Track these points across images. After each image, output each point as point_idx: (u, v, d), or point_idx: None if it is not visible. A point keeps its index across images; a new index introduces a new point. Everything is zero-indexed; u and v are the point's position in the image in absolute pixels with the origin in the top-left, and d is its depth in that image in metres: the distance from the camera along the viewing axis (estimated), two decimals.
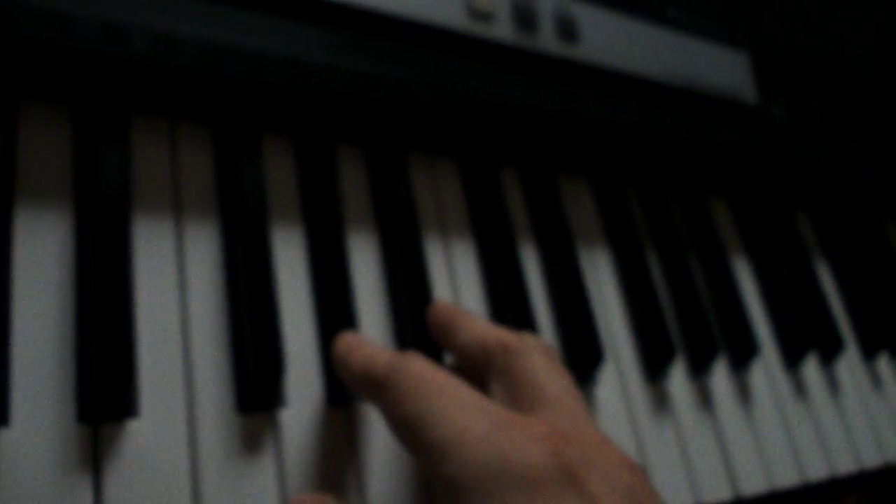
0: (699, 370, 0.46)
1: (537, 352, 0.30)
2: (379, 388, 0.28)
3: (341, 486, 0.32)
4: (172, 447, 0.30)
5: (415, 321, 0.36)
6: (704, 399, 0.46)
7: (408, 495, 0.34)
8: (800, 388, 0.51)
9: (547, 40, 0.44)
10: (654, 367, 0.44)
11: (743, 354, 0.48)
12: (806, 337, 0.52)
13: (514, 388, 0.29)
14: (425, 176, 0.42)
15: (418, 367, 0.27)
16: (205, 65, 0.33)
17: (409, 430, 0.26)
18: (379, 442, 0.34)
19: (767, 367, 0.51)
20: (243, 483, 0.30)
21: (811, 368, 0.53)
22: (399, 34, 0.39)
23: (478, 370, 0.32)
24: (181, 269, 0.33)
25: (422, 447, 0.25)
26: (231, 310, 0.33)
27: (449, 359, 0.36)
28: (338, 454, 0.33)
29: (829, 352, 0.53)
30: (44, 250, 0.30)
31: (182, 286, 0.33)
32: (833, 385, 0.53)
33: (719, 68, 0.52)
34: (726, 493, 0.44)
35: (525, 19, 0.43)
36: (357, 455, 0.34)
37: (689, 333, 0.47)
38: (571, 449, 0.25)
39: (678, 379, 0.46)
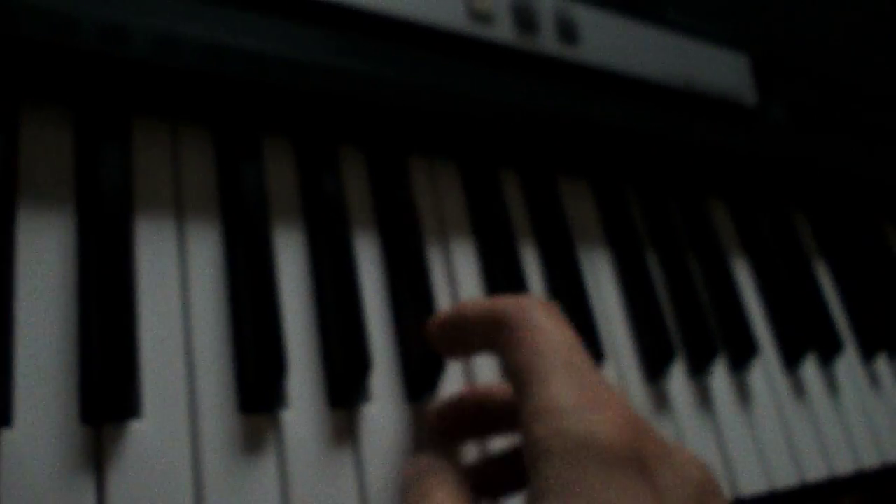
0: (698, 370, 0.46)
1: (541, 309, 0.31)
2: (498, 332, 0.30)
3: (343, 486, 0.33)
4: (174, 447, 0.30)
5: (417, 322, 0.37)
6: (704, 399, 0.46)
7: None
8: (799, 389, 0.51)
9: (547, 42, 0.44)
10: (653, 367, 0.45)
11: (742, 355, 0.48)
12: (805, 337, 0.52)
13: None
14: (425, 177, 0.42)
15: (538, 313, 0.29)
16: (206, 66, 0.33)
17: (517, 381, 0.28)
18: (380, 442, 0.34)
19: (766, 367, 0.51)
20: (245, 483, 0.31)
21: (810, 369, 0.53)
22: (399, 35, 0.39)
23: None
24: (183, 269, 0.33)
25: (523, 401, 0.27)
26: (232, 310, 0.33)
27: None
28: (339, 454, 0.33)
29: (828, 352, 0.54)
30: (46, 251, 0.30)
31: (183, 287, 0.33)
32: (832, 385, 0.53)
33: (719, 70, 0.52)
34: (725, 493, 0.44)
35: (525, 20, 0.43)
36: (358, 455, 0.34)
37: (688, 334, 0.47)
38: (648, 437, 0.26)
39: (678, 379, 0.46)
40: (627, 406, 0.27)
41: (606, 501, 0.24)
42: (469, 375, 0.39)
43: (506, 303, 0.30)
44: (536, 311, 0.29)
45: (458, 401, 0.35)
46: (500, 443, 0.37)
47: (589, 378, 0.27)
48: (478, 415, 0.34)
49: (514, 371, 0.28)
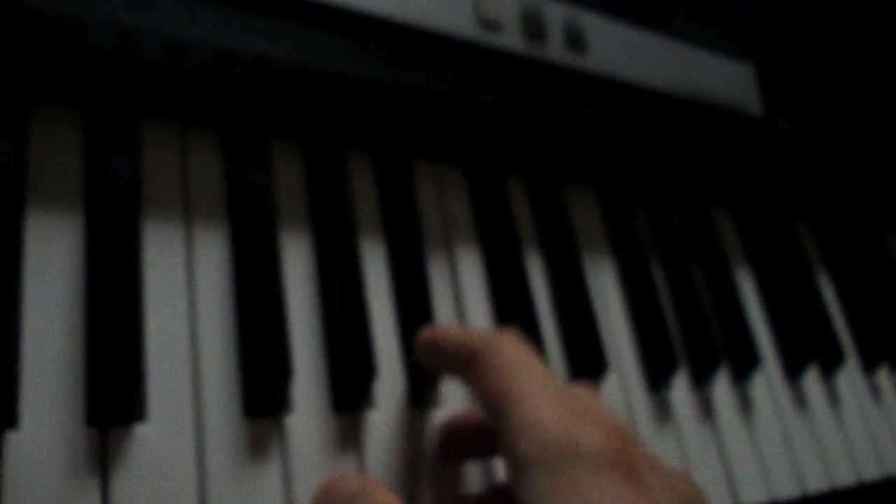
0: (701, 380, 0.47)
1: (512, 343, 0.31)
2: (471, 362, 0.29)
3: None
4: (180, 451, 0.30)
5: (422, 327, 0.37)
6: (706, 409, 0.46)
7: (412, 500, 0.34)
8: (800, 400, 0.51)
9: (555, 50, 0.44)
10: (656, 377, 0.45)
11: (745, 365, 0.48)
12: (807, 349, 0.52)
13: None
14: (432, 183, 0.42)
15: (510, 346, 0.29)
16: (216, 70, 0.33)
17: (493, 406, 0.28)
18: (383, 448, 0.34)
19: (768, 378, 0.51)
20: (249, 487, 0.31)
21: (812, 380, 0.53)
22: (408, 42, 0.39)
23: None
24: (190, 273, 0.33)
25: (501, 423, 0.27)
26: (239, 314, 0.33)
27: None
28: (343, 459, 0.33)
29: (830, 364, 0.54)
30: (54, 253, 0.30)
31: (190, 290, 0.33)
32: (833, 397, 0.53)
33: (725, 80, 0.52)
34: (726, 503, 0.44)
35: (534, 29, 0.43)
36: (361, 460, 0.34)
37: (691, 343, 0.47)
38: (636, 451, 0.26)
39: (680, 389, 0.46)
40: (612, 419, 0.27)
41: (598, 500, 0.24)
42: None
43: (479, 333, 0.30)
44: (509, 343, 0.29)
45: (447, 427, 0.35)
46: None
47: (568, 397, 0.27)
48: (465, 438, 0.35)
49: (490, 397, 0.28)
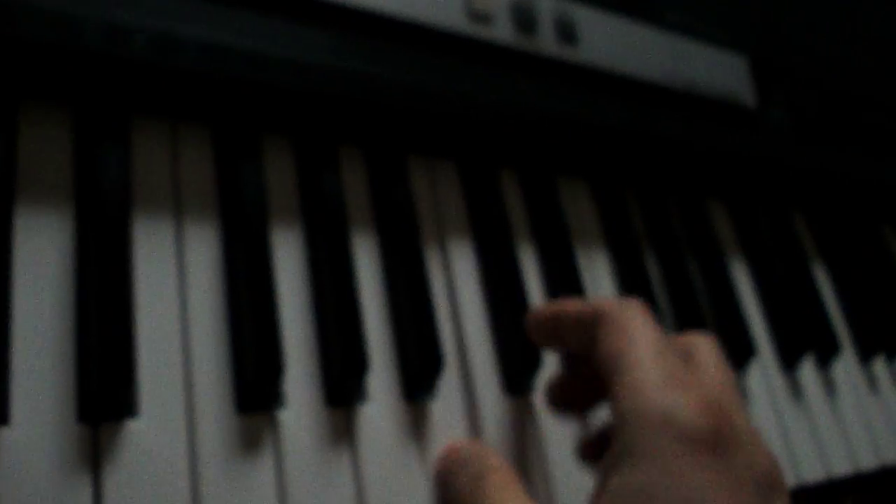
0: None
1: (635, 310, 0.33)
2: (594, 325, 0.32)
3: (340, 486, 0.33)
4: (172, 447, 0.30)
5: (414, 322, 0.37)
6: None
7: (407, 494, 0.34)
8: (796, 390, 0.51)
9: (546, 42, 0.44)
10: None
11: (740, 356, 0.48)
12: (802, 339, 0.52)
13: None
14: (425, 177, 0.42)
15: (635, 312, 0.31)
16: (206, 66, 0.33)
17: (606, 364, 0.30)
18: (378, 442, 0.34)
19: (764, 368, 0.51)
20: (242, 482, 0.31)
21: (807, 370, 0.53)
22: (399, 36, 0.39)
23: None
24: (181, 269, 0.33)
25: (613, 383, 0.29)
26: (231, 310, 0.33)
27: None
28: (336, 454, 0.33)
29: (826, 354, 0.54)
30: (44, 251, 0.30)
31: (182, 286, 0.33)
32: (829, 387, 0.53)
33: (718, 72, 0.52)
34: None
35: (525, 21, 0.43)
36: (356, 455, 0.34)
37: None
38: (728, 424, 0.27)
39: None
40: (718, 392, 0.29)
41: (678, 469, 0.25)
42: (466, 378, 0.39)
43: (606, 301, 0.32)
44: (634, 310, 0.31)
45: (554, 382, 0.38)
46: None
47: (678, 367, 0.29)
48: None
49: (606, 357, 0.30)
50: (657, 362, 0.29)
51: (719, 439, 0.26)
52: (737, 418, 0.28)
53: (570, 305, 0.34)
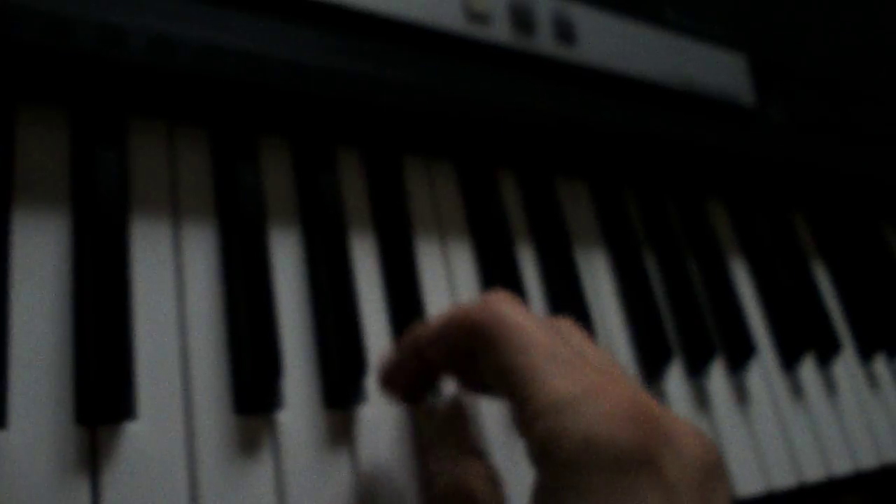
0: (696, 371, 0.46)
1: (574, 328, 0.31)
2: (470, 336, 0.29)
3: (338, 488, 0.33)
4: (170, 449, 0.30)
5: (413, 323, 0.37)
6: (701, 400, 0.46)
7: (405, 496, 0.34)
8: (796, 389, 0.51)
9: (544, 42, 0.44)
10: (651, 368, 0.45)
11: (740, 355, 0.48)
12: (803, 338, 0.52)
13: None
14: (423, 178, 0.42)
15: (510, 311, 0.28)
16: (202, 67, 0.33)
17: (501, 380, 0.27)
18: (376, 443, 0.34)
19: (764, 367, 0.51)
20: (241, 484, 0.31)
21: (808, 369, 0.53)
22: (396, 36, 0.39)
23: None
24: (179, 271, 0.33)
25: (516, 400, 0.27)
26: (228, 312, 0.33)
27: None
28: (335, 455, 0.33)
29: (826, 353, 0.54)
30: (42, 253, 0.30)
31: (179, 288, 0.33)
32: (830, 386, 0.53)
33: (717, 70, 0.52)
34: None
35: (522, 21, 0.43)
36: (354, 456, 0.34)
37: (686, 334, 0.47)
38: (650, 424, 0.25)
39: (675, 380, 0.46)
40: (623, 382, 0.26)
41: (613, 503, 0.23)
42: None
43: (470, 307, 0.29)
44: (505, 307, 0.28)
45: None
46: None
47: (577, 365, 0.26)
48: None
49: (500, 373, 0.27)
50: (557, 369, 0.26)
51: (647, 448, 0.24)
52: (654, 408, 0.26)
53: (429, 328, 0.31)
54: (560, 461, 0.24)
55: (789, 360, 0.51)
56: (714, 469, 0.25)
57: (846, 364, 0.55)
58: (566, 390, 0.26)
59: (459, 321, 0.29)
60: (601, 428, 0.24)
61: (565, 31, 0.44)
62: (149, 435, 0.30)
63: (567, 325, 0.31)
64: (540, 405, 0.26)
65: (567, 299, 0.43)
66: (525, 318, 0.28)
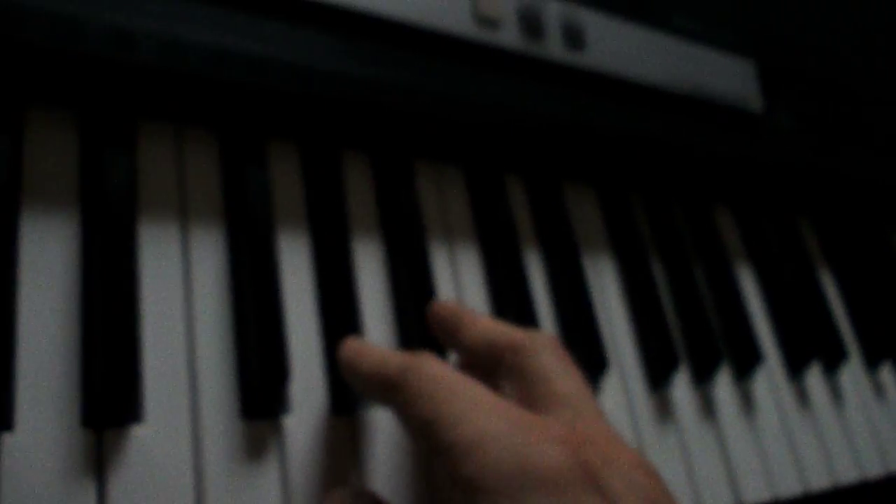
0: (702, 378, 0.46)
1: (548, 349, 0.30)
2: (392, 390, 0.28)
3: None
4: (176, 453, 0.30)
5: (420, 328, 0.37)
6: (707, 407, 0.46)
7: (410, 501, 0.34)
8: (803, 398, 0.51)
9: (554, 48, 0.44)
10: (657, 375, 0.44)
11: (746, 363, 0.48)
12: (809, 346, 0.52)
13: (526, 387, 0.29)
14: (431, 182, 0.42)
15: (432, 367, 0.27)
16: (212, 70, 0.33)
17: (425, 432, 0.26)
18: (382, 449, 0.34)
19: (770, 375, 0.51)
20: (247, 489, 0.30)
21: (814, 377, 0.53)
22: (406, 40, 0.39)
23: (486, 368, 0.31)
24: (187, 274, 0.33)
25: (439, 448, 0.25)
26: (236, 316, 0.33)
27: (454, 358, 0.36)
28: (341, 461, 0.33)
29: (832, 361, 0.53)
30: (50, 255, 0.30)
31: (187, 291, 0.33)
32: (836, 394, 0.53)
33: (725, 76, 0.52)
34: (728, 502, 0.44)
35: (532, 26, 0.43)
36: (360, 462, 0.34)
37: (692, 341, 0.47)
38: (589, 449, 0.24)
39: (681, 387, 0.46)
40: (551, 421, 0.26)
41: None
42: None
43: (396, 358, 0.29)
44: (428, 364, 0.27)
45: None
46: None
47: (502, 408, 0.25)
48: None
49: (421, 424, 0.26)
50: (482, 411, 0.25)
51: (587, 466, 0.23)
52: (598, 435, 0.25)
53: (366, 359, 0.30)
54: (497, 492, 0.23)
55: (795, 368, 0.51)
56: (661, 497, 0.24)
57: (852, 372, 0.55)
58: (493, 426, 0.24)
59: (382, 377, 0.28)
60: (533, 451, 0.24)
61: (574, 37, 0.44)
62: (155, 439, 0.29)
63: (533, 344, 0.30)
64: (466, 444, 0.24)
65: (574, 305, 0.43)
66: (447, 371, 0.27)
